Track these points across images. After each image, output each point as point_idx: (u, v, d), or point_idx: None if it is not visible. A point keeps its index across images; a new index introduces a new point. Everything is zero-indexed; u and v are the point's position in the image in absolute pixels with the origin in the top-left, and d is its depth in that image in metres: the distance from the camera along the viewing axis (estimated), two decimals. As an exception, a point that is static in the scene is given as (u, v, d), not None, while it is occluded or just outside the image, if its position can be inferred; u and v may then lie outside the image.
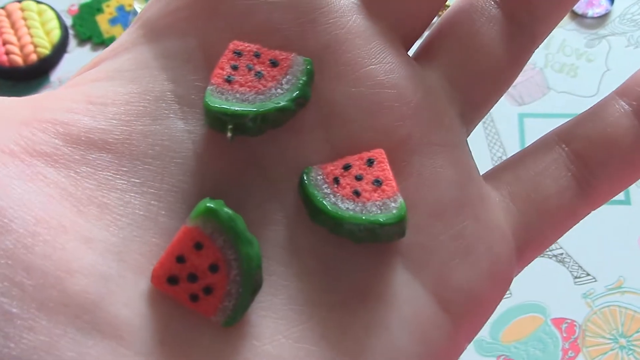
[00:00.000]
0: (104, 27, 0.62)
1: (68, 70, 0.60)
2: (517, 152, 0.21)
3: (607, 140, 0.20)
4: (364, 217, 0.18)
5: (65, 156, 0.16)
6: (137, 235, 0.17)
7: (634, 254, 0.49)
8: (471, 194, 0.19)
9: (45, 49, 0.60)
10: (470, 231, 0.19)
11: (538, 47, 0.21)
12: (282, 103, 0.18)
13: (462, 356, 0.50)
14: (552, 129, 0.21)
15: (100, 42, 0.61)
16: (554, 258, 0.49)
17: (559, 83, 0.57)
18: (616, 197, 0.51)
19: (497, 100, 0.21)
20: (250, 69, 0.18)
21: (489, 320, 0.47)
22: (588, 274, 0.49)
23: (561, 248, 0.50)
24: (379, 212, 0.18)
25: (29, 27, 0.60)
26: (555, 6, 0.21)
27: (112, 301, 0.16)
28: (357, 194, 0.18)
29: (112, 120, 0.17)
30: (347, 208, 0.18)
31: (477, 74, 0.20)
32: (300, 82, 0.18)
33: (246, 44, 0.18)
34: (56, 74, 0.60)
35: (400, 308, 0.18)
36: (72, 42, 0.62)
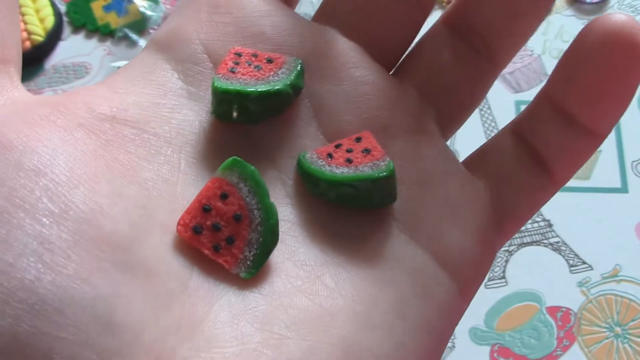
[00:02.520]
0: (99, 13, 0.61)
1: (63, 58, 0.60)
2: (481, 145, 0.23)
3: (542, 131, 0.22)
4: (358, 176, 0.20)
5: (95, 126, 0.18)
6: (161, 196, 0.18)
7: (630, 242, 0.49)
8: (453, 167, 0.22)
9: (40, 36, 0.59)
10: (455, 197, 0.21)
11: (502, 69, 0.23)
12: (280, 86, 0.20)
13: (457, 344, 0.50)
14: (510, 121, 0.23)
15: (95, 29, 0.61)
16: (550, 246, 0.49)
17: (557, 70, 0.56)
18: (613, 185, 0.51)
19: (468, 116, 0.24)
20: (249, 64, 0.20)
21: (484, 309, 0.47)
22: (584, 262, 0.48)
23: (557, 236, 0.49)
24: (370, 171, 0.20)
25: (22, 14, 0.60)
26: (508, 39, 0.23)
27: (141, 247, 0.17)
28: (349, 161, 0.20)
29: (134, 105, 0.19)
30: (342, 172, 0.20)
31: (441, 89, 0.23)
32: (294, 72, 0.20)
33: (245, 48, 0.21)
34: (50, 62, 0.60)
35: (402, 265, 0.20)
36: (67, 29, 0.61)
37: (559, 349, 0.46)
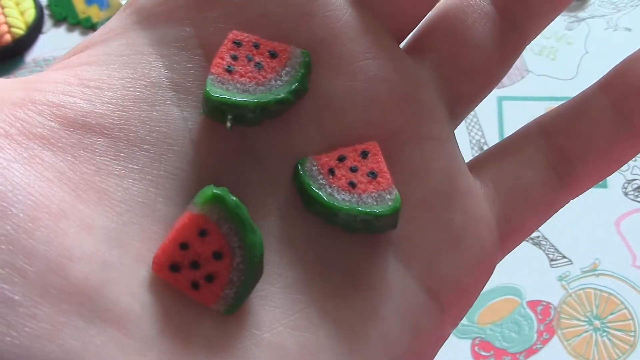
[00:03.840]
0: (80, 7, 0.61)
1: (43, 51, 0.59)
2: (499, 142, 0.21)
3: (586, 134, 0.20)
4: (360, 209, 0.18)
5: (62, 140, 0.16)
6: (136, 222, 0.17)
7: (609, 237, 0.49)
8: (459, 186, 0.20)
9: (20, 30, 0.59)
10: (458, 222, 0.19)
11: (528, 43, 0.21)
12: (282, 95, 0.18)
13: (437, 339, 0.50)
14: (533, 119, 0.21)
15: (76, 22, 0.60)
16: (530, 241, 0.50)
17: (538, 66, 0.57)
18: (593, 180, 0.52)
19: (486, 96, 0.21)
20: (249, 60, 0.18)
21: (466, 303, 0.47)
22: (564, 257, 0.49)
23: (538, 231, 0.50)
24: (374, 203, 0.18)
25: (3, 7, 0.59)
26: (549, 5, 0.21)
27: (113, 289, 0.16)
28: (352, 185, 0.18)
29: (108, 105, 0.17)
30: (343, 199, 0.18)
31: (467, 70, 0.20)
32: (299, 74, 0.18)
33: (245, 34, 0.18)
34: (31, 55, 0.59)
35: (393, 297, 0.18)
36: (48, 23, 0.61)
37: (538, 343, 0.46)
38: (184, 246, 0.16)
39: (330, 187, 0.18)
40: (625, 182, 0.51)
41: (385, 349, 0.18)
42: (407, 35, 0.21)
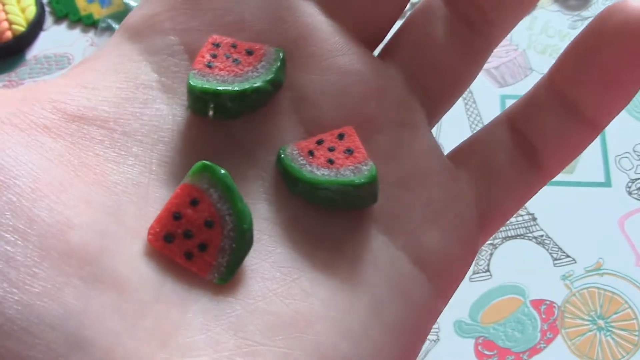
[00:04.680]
0: (81, 4, 0.61)
1: (44, 48, 0.59)
2: (469, 137, 0.23)
3: (540, 124, 0.21)
4: (339, 180, 0.19)
5: (61, 128, 0.17)
6: (131, 201, 0.18)
7: (613, 235, 0.49)
8: (435, 166, 0.21)
9: (21, 27, 0.58)
10: (437, 199, 0.21)
11: (495, 47, 0.22)
12: (258, 84, 0.19)
13: (441, 337, 0.50)
14: (498, 114, 0.23)
15: (77, 19, 0.60)
16: (534, 240, 0.49)
17: (542, 64, 0.57)
18: (596, 179, 0.52)
19: (459, 96, 0.23)
20: (228, 57, 0.20)
21: (469, 302, 0.47)
22: (568, 256, 0.49)
23: (541, 230, 0.50)
24: (352, 175, 0.19)
25: (4, 4, 0.59)
26: (507, 11, 0.22)
27: (111, 257, 0.16)
28: (330, 162, 0.19)
29: (104, 102, 0.18)
30: (323, 174, 0.19)
31: (432, 69, 0.22)
32: (274, 66, 0.20)
33: (224, 37, 0.20)
34: (32, 52, 0.59)
35: (380, 267, 0.19)
36: (49, 20, 0.60)
37: (542, 342, 0.46)
38: (177, 216, 0.17)
39: (310, 165, 0.19)
40: (629, 181, 0.51)
41: (377, 315, 0.18)
42: (375, 47, 0.22)
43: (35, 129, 0.17)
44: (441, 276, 0.20)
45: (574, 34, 0.58)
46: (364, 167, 0.19)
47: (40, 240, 0.15)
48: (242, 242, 0.18)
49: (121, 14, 0.60)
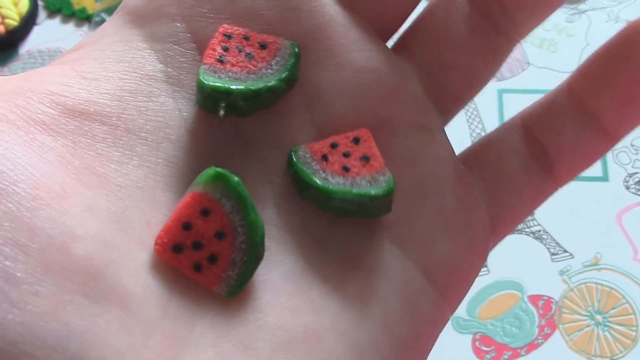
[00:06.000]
0: (75, -2, 0.60)
1: (37, 43, 0.58)
2: (485, 135, 0.22)
3: (556, 131, 0.21)
4: (354, 191, 0.18)
5: (61, 125, 0.16)
6: (137, 207, 0.17)
7: (611, 230, 0.49)
8: (449, 173, 0.20)
9: (14, 21, 0.58)
10: (449, 207, 0.20)
11: (515, 45, 0.22)
12: (273, 82, 0.18)
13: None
14: (516, 113, 0.22)
15: (71, 13, 0.60)
16: (531, 235, 0.49)
17: (539, 58, 0.56)
18: (593, 174, 0.51)
19: (475, 94, 0.22)
20: (240, 51, 0.19)
21: (466, 297, 0.47)
22: (565, 251, 0.48)
23: (539, 225, 0.49)
24: (368, 185, 0.18)
25: (-4, -2, 0.58)
26: (532, 11, 0.21)
27: (116, 269, 0.15)
28: (346, 169, 0.18)
29: (106, 95, 0.17)
30: (337, 182, 0.18)
31: (450, 67, 0.21)
32: (289, 63, 0.19)
33: (235, 27, 0.19)
34: (25, 47, 0.58)
35: (391, 278, 0.19)
36: (42, 14, 0.60)
37: (540, 337, 0.46)
38: (186, 226, 0.17)
39: (324, 172, 0.18)
40: (626, 176, 0.51)
41: (386, 329, 0.18)
42: (392, 35, 0.21)
43: (34, 125, 0.16)
44: (450, 287, 0.20)
45: (571, 27, 0.58)
46: (381, 178, 0.18)
47: (42, 254, 0.14)
48: (254, 255, 0.17)
49: (115, 8, 0.59)
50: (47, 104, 0.16)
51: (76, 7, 0.60)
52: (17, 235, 0.14)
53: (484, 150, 0.22)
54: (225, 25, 0.19)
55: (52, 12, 0.60)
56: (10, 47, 0.58)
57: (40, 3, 0.60)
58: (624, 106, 0.20)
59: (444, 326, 0.20)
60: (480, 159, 0.21)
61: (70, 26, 0.59)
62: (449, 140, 0.21)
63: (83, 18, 0.59)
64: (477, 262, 0.21)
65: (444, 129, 0.21)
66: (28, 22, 0.59)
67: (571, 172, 0.21)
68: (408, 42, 0.21)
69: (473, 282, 0.21)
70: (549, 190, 0.21)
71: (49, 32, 0.59)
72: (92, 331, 0.14)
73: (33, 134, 0.16)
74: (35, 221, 0.15)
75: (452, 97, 0.21)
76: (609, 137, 0.21)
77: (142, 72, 0.18)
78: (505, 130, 0.22)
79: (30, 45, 0.58)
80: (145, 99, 0.18)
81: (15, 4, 0.58)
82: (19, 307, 0.14)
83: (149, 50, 0.18)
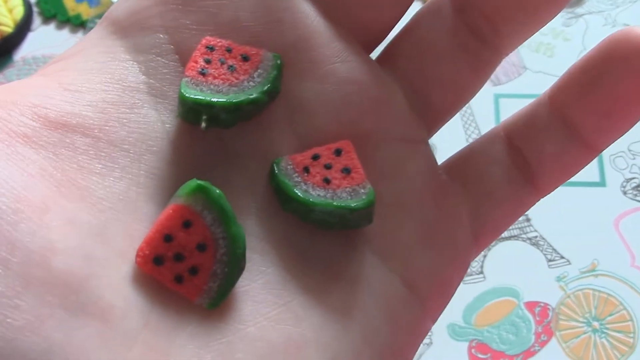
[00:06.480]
0: (70, 4, 0.60)
1: (32, 50, 0.58)
2: (468, 145, 0.22)
3: (538, 142, 0.21)
4: (335, 203, 0.18)
5: (43, 138, 0.16)
6: (118, 220, 0.17)
7: (608, 236, 0.48)
8: (431, 185, 0.20)
9: (8, 27, 0.58)
10: (431, 219, 0.20)
11: (502, 59, 0.22)
12: (255, 95, 0.18)
13: (435, 341, 0.49)
14: (495, 126, 0.22)
15: (65, 19, 0.59)
16: (527, 241, 0.49)
17: (535, 63, 0.56)
18: (590, 179, 0.51)
19: (460, 107, 0.22)
20: (222, 63, 0.19)
21: (462, 304, 0.47)
22: (562, 257, 0.48)
23: (535, 231, 0.49)
24: (349, 198, 0.18)
25: (-10, 4, 0.58)
26: (519, 26, 0.21)
27: (97, 282, 0.16)
28: (327, 181, 0.19)
29: (88, 107, 0.17)
30: (318, 195, 0.18)
31: (434, 80, 0.21)
32: (271, 75, 0.19)
33: (218, 39, 0.19)
34: (20, 53, 0.58)
35: (373, 289, 0.19)
36: (37, 20, 0.60)
37: (536, 345, 0.45)
38: (168, 238, 0.17)
39: (305, 184, 0.19)
40: (624, 181, 0.51)
41: (367, 340, 0.18)
42: (374, 48, 0.21)
43: (15, 138, 0.16)
44: (432, 297, 0.20)
45: (568, 31, 0.57)
46: (362, 191, 0.19)
47: (23, 268, 0.15)
48: (235, 267, 0.17)
49: (110, 14, 0.59)
50: (29, 116, 0.16)
51: (71, 13, 0.60)
52: None
53: (467, 160, 0.22)
54: (208, 37, 0.19)
55: (47, 18, 0.60)
56: (5, 54, 0.58)
57: (35, 9, 0.60)
58: (604, 120, 0.20)
59: (424, 336, 0.20)
60: (462, 169, 0.21)
61: (65, 32, 0.59)
62: (432, 152, 0.21)
63: (78, 24, 0.59)
64: (459, 272, 0.21)
65: (427, 141, 0.21)
66: (23, 28, 0.58)
67: (553, 183, 0.21)
68: (392, 54, 0.21)
69: (454, 292, 0.21)
70: (530, 201, 0.21)
71: (43, 38, 0.59)
72: (72, 345, 0.15)
73: (15, 147, 0.16)
74: (15, 235, 0.15)
75: (436, 110, 0.21)
76: (590, 150, 0.21)
77: (124, 84, 0.18)
78: (489, 140, 0.22)
79: (25, 51, 0.58)
80: (127, 110, 0.18)
81: (10, 11, 0.58)
82: None
83: (131, 62, 0.18)
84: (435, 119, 0.21)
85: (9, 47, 0.58)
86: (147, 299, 0.16)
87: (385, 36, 0.21)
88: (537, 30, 0.21)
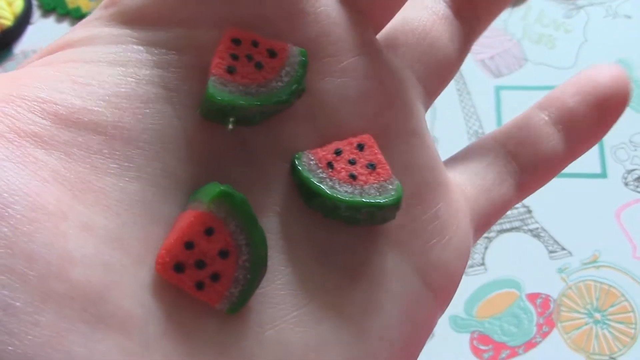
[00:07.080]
0: (69, -3, 0.60)
1: (32, 43, 0.58)
2: (464, 148, 0.24)
3: (533, 146, 0.23)
4: (364, 200, 0.18)
5: (55, 137, 0.16)
6: (135, 222, 0.16)
7: (609, 228, 0.48)
8: (441, 179, 0.21)
9: (8, 20, 0.58)
10: (444, 212, 0.20)
11: (477, 39, 0.24)
12: (284, 97, 0.18)
13: (436, 332, 0.49)
14: (490, 132, 0.24)
15: (65, 12, 0.59)
16: (529, 232, 0.49)
17: (537, 54, 0.56)
18: (592, 171, 0.51)
19: (443, 90, 0.23)
20: (250, 59, 0.18)
21: (464, 296, 0.47)
22: (563, 249, 0.48)
23: (537, 222, 0.49)
24: (377, 194, 0.18)
25: (-10, -2, 0.58)
26: (492, 6, 0.23)
27: (115, 292, 0.15)
28: (353, 177, 0.18)
29: (100, 102, 0.16)
30: (346, 191, 0.18)
31: (432, 67, 0.22)
32: (298, 74, 0.18)
33: (243, 32, 0.18)
34: (20, 47, 0.58)
35: (391, 288, 0.19)
36: (36, 13, 0.60)
37: (538, 336, 0.45)
38: (189, 245, 0.16)
39: (331, 180, 0.18)
40: (625, 172, 0.51)
41: (384, 338, 0.18)
42: (381, 29, 0.21)
43: (25, 138, 0.15)
44: (443, 289, 0.20)
45: (569, 23, 0.57)
46: (390, 187, 0.18)
47: (41, 281, 0.14)
48: (257, 273, 0.17)
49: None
50: (39, 114, 0.16)
51: (70, 6, 0.59)
52: (14, 263, 0.14)
53: (466, 160, 0.23)
54: (233, 30, 0.18)
55: (47, 11, 0.60)
56: (4, 47, 0.58)
57: (34, 2, 0.60)
58: (589, 138, 0.23)
59: (434, 327, 0.20)
60: (462, 168, 0.23)
61: (65, 25, 0.59)
62: (435, 145, 0.22)
63: (77, 17, 0.59)
64: (464, 264, 0.21)
65: (430, 133, 0.22)
66: (22, 21, 0.58)
67: (538, 184, 0.23)
68: (395, 41, 0.22)
69: (459, 283, 0.21)
70: (513, 203, 0.23)
71: (43, 31, 0.59)
72: (93, 358, 0.14)
73: (25, 148, 0.15)
74: (32, 246, 0.14)
75: (430, 95, 0.22)
76: (570, 156, 0.23)
77: (138, 77, 0.17)
78: (484, 145, 0.23)
79: (25, 45, 0.58)
80: (141, 105, 0.17)
81: (10, 4, 0.58)
82: (19, 339, 0.14)
83: (145, 54, 0.17)
84: (428, 102, 0.22)
85: (9, 40, 0.58)
86: (166, 305, 0.16)
87: (390, 19, 0.21)
88: (504, 9, 0.23)
